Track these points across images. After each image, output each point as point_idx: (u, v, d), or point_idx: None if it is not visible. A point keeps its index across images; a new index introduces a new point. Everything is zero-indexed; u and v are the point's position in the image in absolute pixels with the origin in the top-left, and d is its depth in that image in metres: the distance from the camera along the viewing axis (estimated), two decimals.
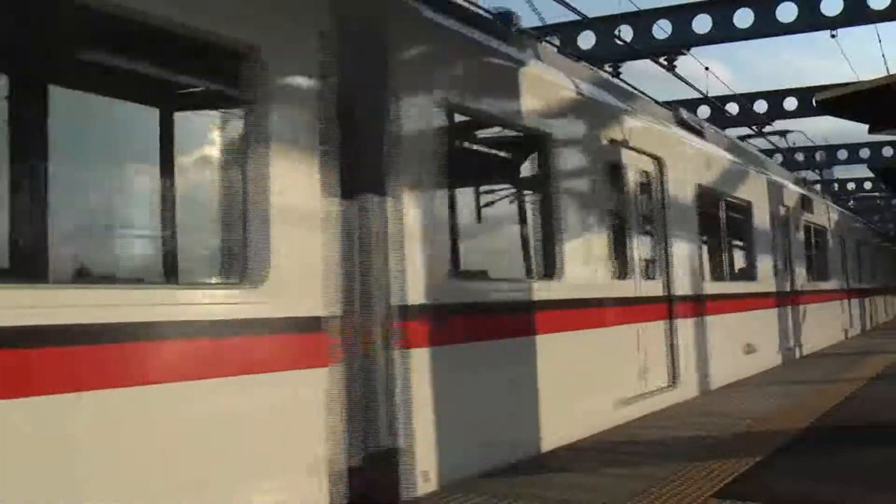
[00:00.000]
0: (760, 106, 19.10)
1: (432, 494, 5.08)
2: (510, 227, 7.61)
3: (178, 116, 4.87)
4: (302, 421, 4.52)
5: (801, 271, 15.25)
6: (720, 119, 18.66)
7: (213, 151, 4.75)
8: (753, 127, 19.40)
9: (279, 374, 4.42)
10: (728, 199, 11.69)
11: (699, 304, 9.87)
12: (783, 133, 20.39)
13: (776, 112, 19.08)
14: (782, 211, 14.40)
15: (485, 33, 6.64)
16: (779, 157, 23.66)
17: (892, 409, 8.29)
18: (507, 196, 7.82)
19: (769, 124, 19.47)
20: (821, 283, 17.33)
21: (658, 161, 9.16)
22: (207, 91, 4.79)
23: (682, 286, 9.39)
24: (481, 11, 7.16)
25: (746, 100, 18.97)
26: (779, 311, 13.61)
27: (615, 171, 8.34)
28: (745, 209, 12.39)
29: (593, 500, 5.00)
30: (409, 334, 5.16)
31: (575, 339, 7.10)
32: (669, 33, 13.57)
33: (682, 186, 9.76)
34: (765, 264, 12.96)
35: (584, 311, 7.39)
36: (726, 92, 18.57)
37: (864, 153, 24.68)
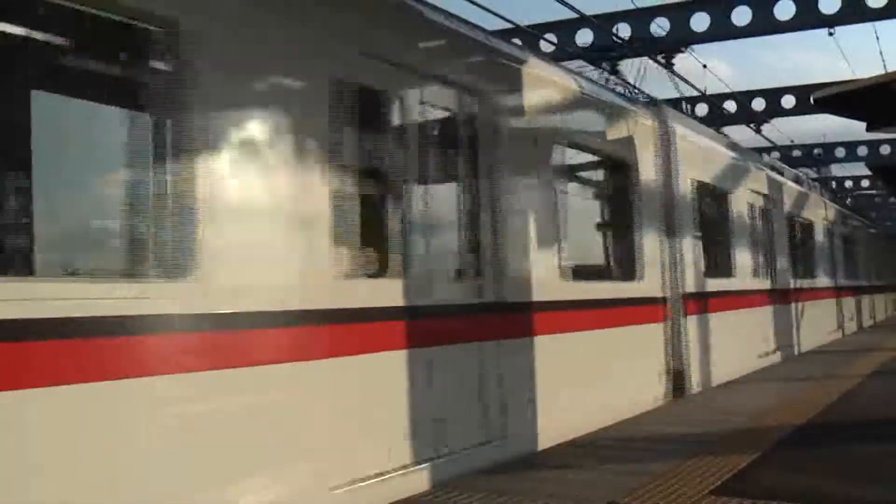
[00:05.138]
0: (758, 104, 19.11)
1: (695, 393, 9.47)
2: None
3: None
4: (660, 347, 8.95)
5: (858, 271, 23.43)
6: (718, 117, 18.70)
7: None
8: (751, 125, 19.41)
9: (659, 324, 8.95)
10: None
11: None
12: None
13: (774, 110, 19.09)
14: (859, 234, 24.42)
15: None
16: (776, 154, 23.70)
17: (888, 405, 8.32)
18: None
19: (767, 122, 19.47)
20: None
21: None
22: None
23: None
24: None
25: (744, 97, 18.98)
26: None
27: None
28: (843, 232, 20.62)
29: (591, 496, 5.02)
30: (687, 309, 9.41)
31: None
32: (667, 31, 13.57)
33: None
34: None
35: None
36: (724, 89, 18.60)
37: (862, 151, 24.69)
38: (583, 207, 8.36)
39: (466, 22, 6.57)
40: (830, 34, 12.98)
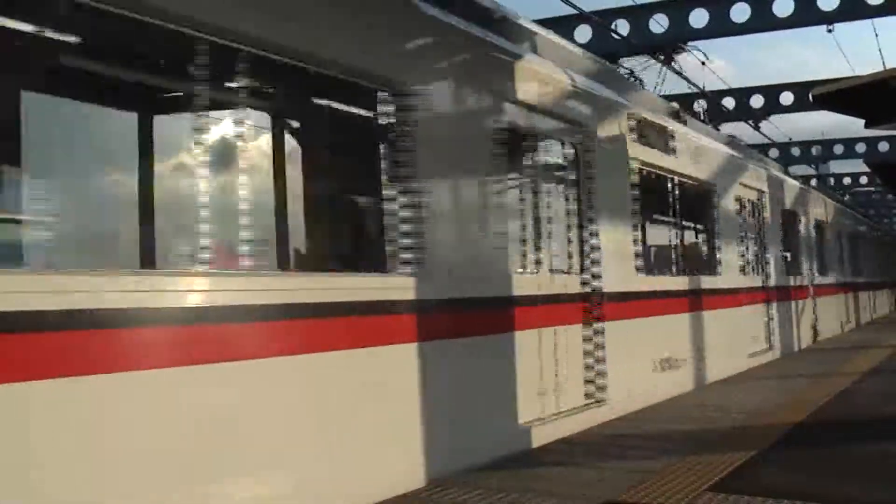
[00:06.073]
0: (757, 100, 19.10)
1: None
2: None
3: None
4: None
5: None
6: (717, 114, 18.71)
7: None
8: (749, 122, 19.41)
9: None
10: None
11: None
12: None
13: (772, 107, 19.09)
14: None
15: None
16: (774, 152, 23.72)
17: (887, 403, 8.33)
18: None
19: (765, 119, 19.47)
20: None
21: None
22: None
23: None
24: None
25: (743, 94, 18.97)
26: None
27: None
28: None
29: (588, 494, 5.01)
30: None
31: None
32: (666, 28, 13.55)
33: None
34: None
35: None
36: (723, 86, 18.60)
37: (861, 148, 24.70)
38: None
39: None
40: (829, 31, 12.99)
